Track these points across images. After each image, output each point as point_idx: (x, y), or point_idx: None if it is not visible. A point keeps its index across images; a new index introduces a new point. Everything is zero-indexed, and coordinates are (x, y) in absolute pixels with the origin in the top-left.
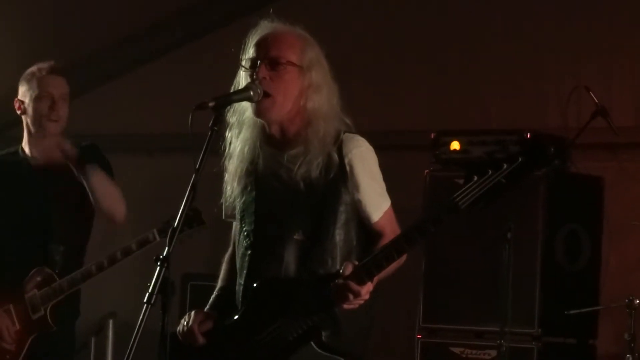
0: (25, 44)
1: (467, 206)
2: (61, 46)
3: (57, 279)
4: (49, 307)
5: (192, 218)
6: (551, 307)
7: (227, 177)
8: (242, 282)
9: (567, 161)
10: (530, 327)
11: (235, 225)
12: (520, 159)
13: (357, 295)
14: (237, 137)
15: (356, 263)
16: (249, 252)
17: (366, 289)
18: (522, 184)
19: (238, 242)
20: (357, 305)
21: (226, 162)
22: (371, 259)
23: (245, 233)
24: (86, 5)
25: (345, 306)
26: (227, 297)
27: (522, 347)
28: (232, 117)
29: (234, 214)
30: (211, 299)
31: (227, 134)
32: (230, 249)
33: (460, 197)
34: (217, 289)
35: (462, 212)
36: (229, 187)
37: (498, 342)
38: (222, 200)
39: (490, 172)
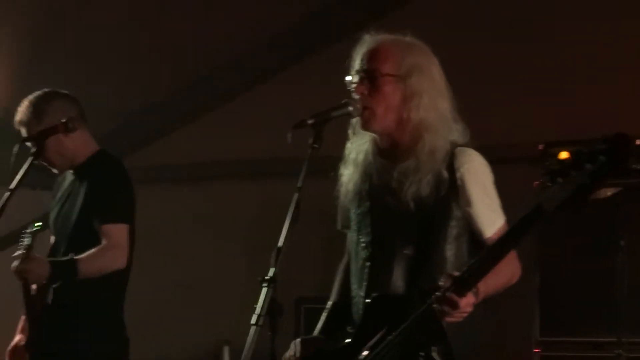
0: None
1: (554, 209)
2: (164, 76)
3: None
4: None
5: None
6: None
7: (342, 180)
8: (362, 294)
9: None
10: None
11: (350, 235)
12: (601, 158)
13: (455, 307)
14: (353, 146)
15: (456, 274)
16: (367, 263)
17: (465, 301)
18: (606, 183)
19: (355, 253)
20: (460, 318)
21: (342, 168)
22: (468, 269)
23: (364, 244)
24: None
25: (447, 319)
26: (339, 313)
27: None
28: (351, 130)
29: (348, 224)
30: (322, 319)
31: (347, 145)
32: (345, 260)
33: (545, 200)
34: (329, 304)
35: (548, 216)
36: (343, 190)
37: (616, 352)
38: (338, 207)
39: (573, 173)
